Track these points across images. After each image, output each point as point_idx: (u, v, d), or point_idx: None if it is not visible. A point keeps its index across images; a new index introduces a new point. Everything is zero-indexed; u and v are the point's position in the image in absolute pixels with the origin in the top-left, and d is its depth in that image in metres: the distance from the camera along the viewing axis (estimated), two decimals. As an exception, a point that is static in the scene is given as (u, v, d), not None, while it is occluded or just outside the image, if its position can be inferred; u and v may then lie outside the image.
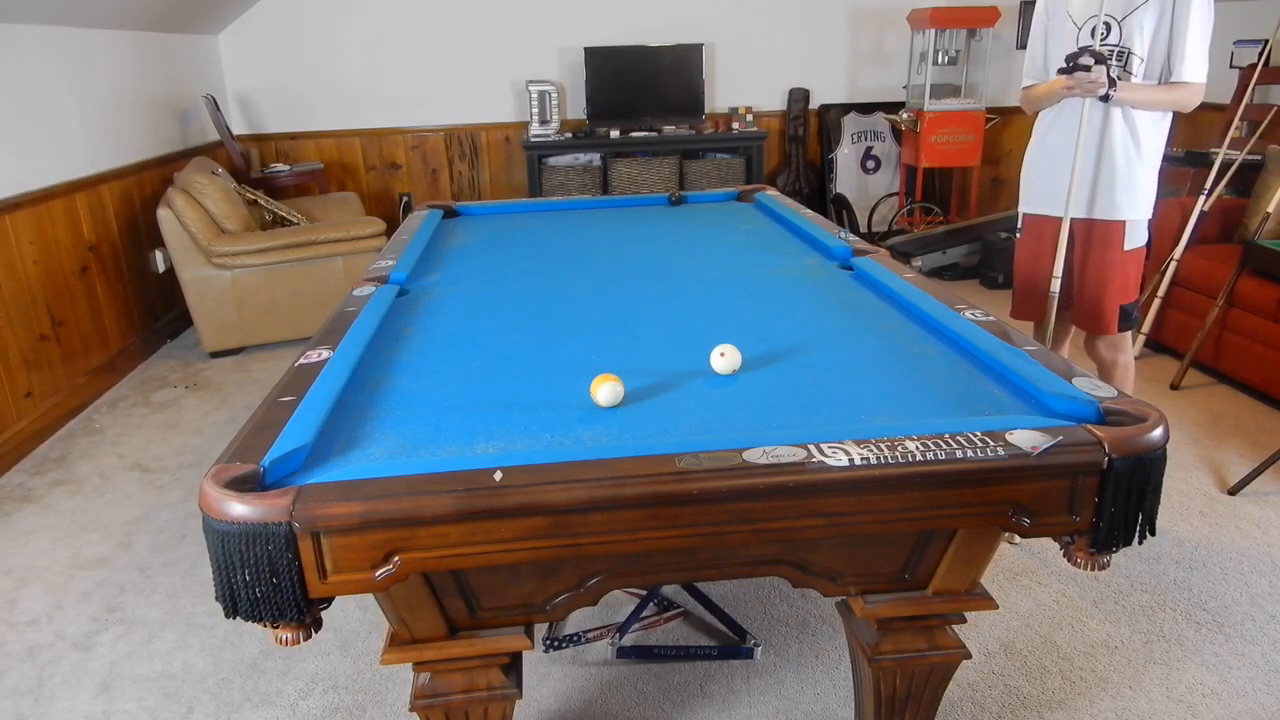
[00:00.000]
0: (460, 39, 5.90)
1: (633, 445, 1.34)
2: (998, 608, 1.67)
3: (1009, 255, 3.11)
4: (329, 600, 1.29)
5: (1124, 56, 2.47)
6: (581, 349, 1.85)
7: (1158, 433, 1.33)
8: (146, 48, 4.80)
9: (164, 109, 4.98)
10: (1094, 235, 2.64)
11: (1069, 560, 1.41)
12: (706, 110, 6.03)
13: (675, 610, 2.36)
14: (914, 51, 5.94)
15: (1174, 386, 3.73)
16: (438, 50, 5.91)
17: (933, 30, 5.64)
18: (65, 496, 3.14)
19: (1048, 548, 2.57)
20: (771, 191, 3.41)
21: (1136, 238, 2.61)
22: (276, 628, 1.27)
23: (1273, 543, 2.61)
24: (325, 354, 1.74)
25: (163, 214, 4.23)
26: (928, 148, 5.71)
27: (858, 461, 1.27)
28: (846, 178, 6.26)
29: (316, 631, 1.30)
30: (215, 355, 4.49)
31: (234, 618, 1.23)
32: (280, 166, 5.71)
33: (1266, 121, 4.22)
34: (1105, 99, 2.43)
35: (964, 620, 1.63)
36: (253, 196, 4.87)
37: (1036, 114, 2.71)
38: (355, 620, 2.38)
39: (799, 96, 6.15)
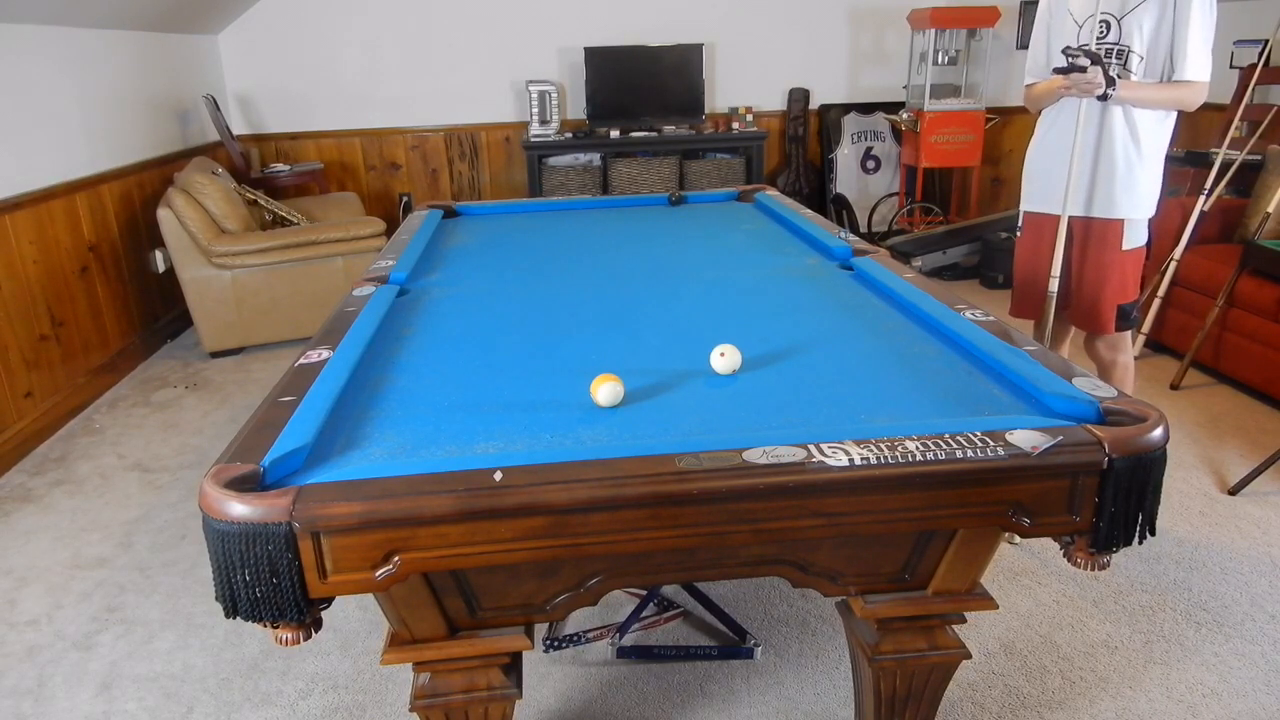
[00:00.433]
0: (460, 39, 5.90)
1: (633, 445, 1.34)
2: (998, 608, 1.67)
3: (1009, 255, 3.11)
4: (329, 600, 1.29)
5: (1123, 55, 2.47)
6: (581, 349, 1.85)
7: (1158, 433, 1.33)
8: (146, 48, 4.80)
9: (164, 109, 4.98)
10: (1092, 234, 2.64)
11: (1069, 560, 1.41)
12: (706, 110, 6.03)
13: (675, 610, 2.36)
14: (914, 51, 5.94)
15: (1174, 386, 3.73)
16: (438, 50, 5.91)
17: (933, 30, 5.64)
18: (65, 496, 3.14)
19: (1048, 548, 2.57)
20: (771, 191, 3.41)
21: (1135, 237, 2.61)
22: (276, 628, 1.26)
23: (1273, 543, 2.61)
24: (325, 354, 1.74)
25: (163, 214, 4.23)
26: (928, 148, 5.71)
27: (858, 461, 1.27)
28: (846, 178, 6.26)
29: (316, 631, 1.30)
30: (215, 355, 4.49)
31: (234, 618, 1.23)
32: (280, 166, 5.71)
33: (1266, 121, 4.22)
34: (1103, 99, 2.43)
35: (964, 620, 1.63)
36: (253, 196, 4.87)
37: (1040, 112, 2.71)
38: (355, 620, 2.38)
39: (799, 96, 6.15)
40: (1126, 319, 2.67)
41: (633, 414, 1.51)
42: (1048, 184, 2.67)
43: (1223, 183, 3.92)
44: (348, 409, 1.55)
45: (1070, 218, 2.64)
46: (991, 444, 1.30)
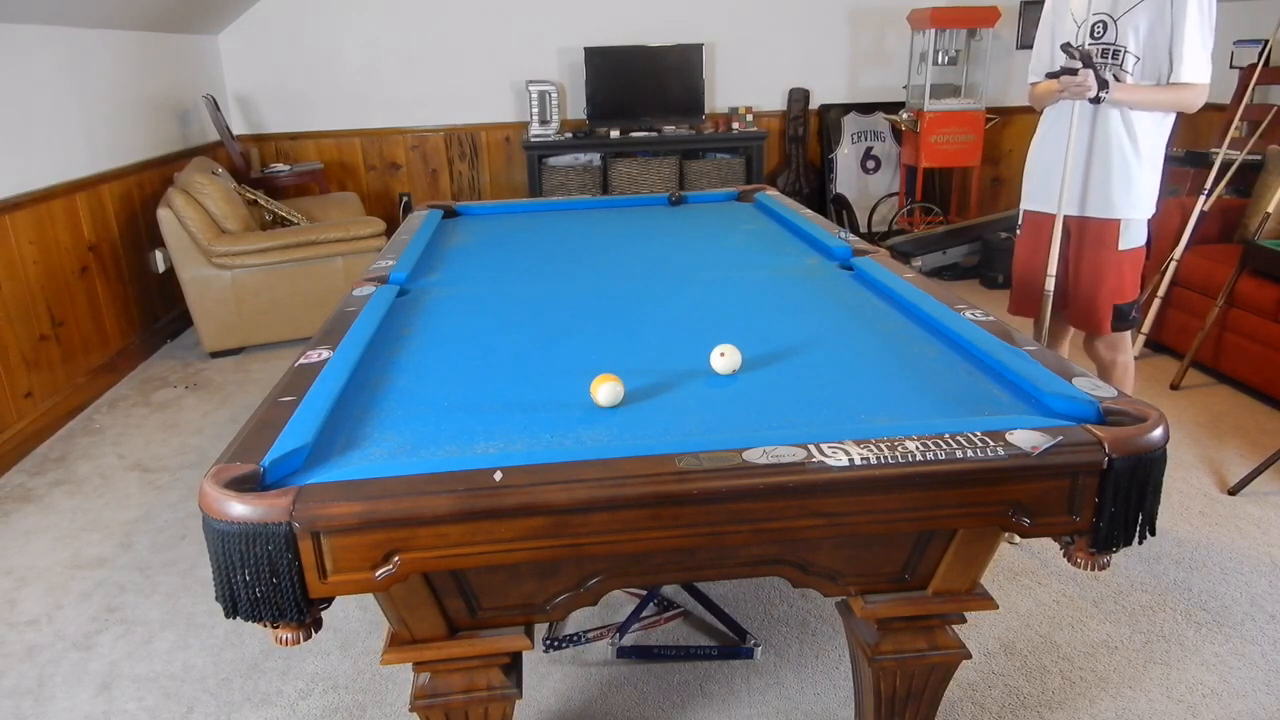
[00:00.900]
0: (460, 39, 5.90)
1: (633, 445, 1.34)
2: (998, 608, 1.67)
3: (1009, 255, 3.11)
4: (329, 600, 1.29)
5: (1119, 55, 2.47)
6: (581, 349, 1.85)
7: (1158, 433, 1.33)
8: (146, 48, 4.80)
9: (164, 109, 4.98)
10: (1088, 233, 2.64)
11: (1069, 560, 1.41)
12: (706, 110, 6.03)
13: (675, 610, 2.36)
14: (914, 51, 5.94)
15: (1174, 386, 3.73)
16: (438, 50, 5.91)
17: (933, 30, 5.64)
18: (65, 496, 3.14)
19: (1048, 548, 2.57)
20: (771, 191, 3.41)
21: (1133, 238, 2.60)
22: (276, 628, 1.26)
23: (1273, 543, 2.61)
24: (325, 354, 1.74)
25: (163, 214, 4.23)
26: (928, 148, 5.71)
27: (858, 461, 1.27)
28: (846, 178, 6.26)
29: (316, 631, 1.30)
30: (215, 355, 4.49)
31: (234, 618, 1.23)
32: (280, 166, 5.71)
33: (1266, 121, 4.22)
34: (1096, 100, 2.43)
35: (964, 620, 1.63)
36: (253, 196, 4.87)
37: (1044, 111, 2.72)
38: (355, 620, 2.38)
39: (799, 96, 6.15)
40: (1125, 319, 2.67)
41: (633, 414, 1.51)
42: (1046, 183, 2.68)
43: (1223, 183, 3.92)
44: (348, 409, 1.55)
45: (1067, 217, 2.65)
46: (991, 444, 1.30)
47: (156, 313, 4.71)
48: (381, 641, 1.73)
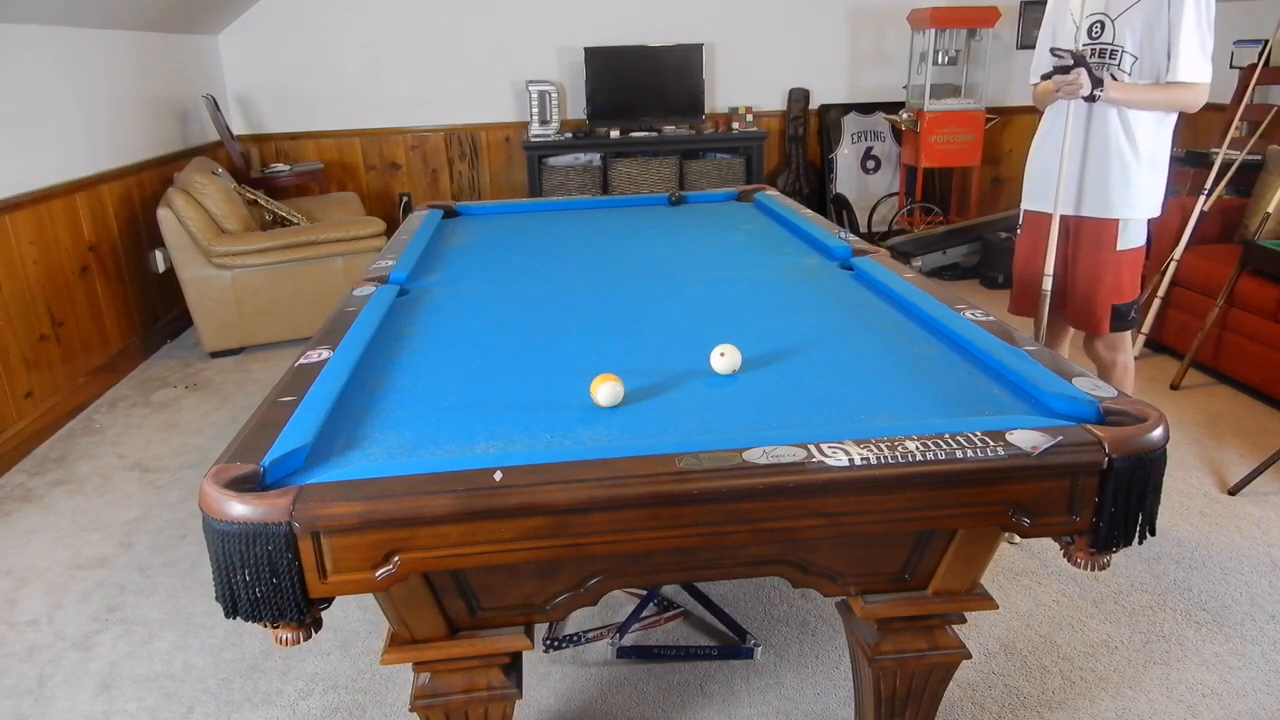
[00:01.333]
0: (460, 39, 5.90)
1: (633, 445, 1.34)
2: (998, 608, 1.67)
3: (1009, 255, 3.11)
4: (329, 600, 1.29)
5: (1117, 55, 2.47)
6: (581, 349, 1.85)
7: (1158, 433, 1.33)
8: (146, 48, 4.79)
9: (164, 109, 4.98)
10: (1086, 233, 2.64)
11: (1069, 560, 1.41)
12: (706, 110, 6.03)
13: (675, 610, 2.36)
14: (914, 51, 5.94)
15: (1174, 386, 3.73)
16: (438, 50, 5.91)
17: (933, 30, 5.64)
18: (65, 496, 3.14)
19: (1048, 548, 2.57)
20: (771, 191, 3.41)
21: (1131, 238, 2.60)
22: (276, 628, 1.27)
23: (1273, 543, 2.61)
24: (325, 354, 1.74)
25: (163, 214, 4.23)
26: (928, 148, 5.71)
27: (858, 461, 1.27)
28: (846, 178, 6.26)
29: (316, 631, 1.30)
30: (215, 355, 4.48)
31: (234, 618, 1.23)
32: (280, 166, 5.71)
33: (1266, 121, 4.22)
34: (1091, 99, 2.43)
35: (964, 620, 1.63)
36: (253, 196, 4.87)
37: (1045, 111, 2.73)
38: (355, 620, 2.38)
39: (799, 96, 6.15)
40: (1124, 319, 2.66)
41: (633, 414, 1.51)
42: (1045, 183, 2.68)
43: (1223, 183, 3.92)
44: (348, 409, 1.55)
45: (1066, 217, 2.65)
46: (991, 444, 1.30)
47: (156, 313, 4.71)
48: (381, 641, 1.73)
